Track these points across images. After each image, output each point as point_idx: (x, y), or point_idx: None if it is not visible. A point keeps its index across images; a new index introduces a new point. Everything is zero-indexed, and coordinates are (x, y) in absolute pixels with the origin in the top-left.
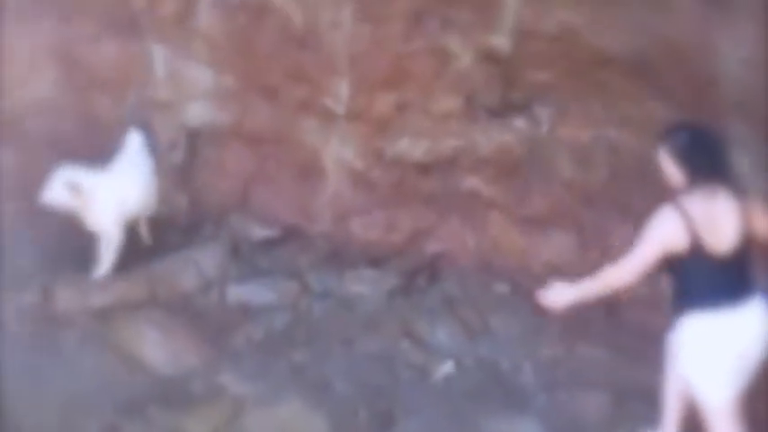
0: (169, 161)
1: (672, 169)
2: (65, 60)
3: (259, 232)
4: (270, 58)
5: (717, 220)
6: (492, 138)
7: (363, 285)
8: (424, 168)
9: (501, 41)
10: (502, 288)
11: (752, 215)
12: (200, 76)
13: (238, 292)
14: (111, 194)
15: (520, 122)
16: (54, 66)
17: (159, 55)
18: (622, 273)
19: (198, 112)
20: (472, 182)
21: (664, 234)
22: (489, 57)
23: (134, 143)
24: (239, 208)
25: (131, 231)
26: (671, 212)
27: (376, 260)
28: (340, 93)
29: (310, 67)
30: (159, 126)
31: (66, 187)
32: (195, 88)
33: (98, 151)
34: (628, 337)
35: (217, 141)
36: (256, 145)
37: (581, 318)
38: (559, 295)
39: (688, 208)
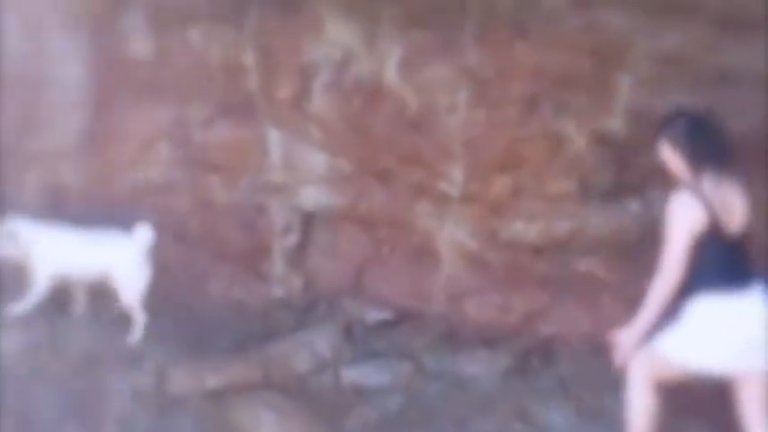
0: (284, 244)
1: (675, 159)
2: (179, 142)
3: (373, 314)
4: (384, 142)
5: (727, 201)
6: (606, 220)
7: (477, 366)
8: (538, 250)
9: (615, 125)
10: (616, 370)
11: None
12: (315, 159)
13: (353, 374)
14: (49, 248)
15: (634, 205)
16: (168, 147)
17: (274, 138)
18: (668, 274)
19: (312, 196)
20: (586, 264)
21: (687, 218)
22: (603, 140)
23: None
24: (353, 290)
25: (241, 313)
26: (686, 196)
27: (490, 341)
28: (454, 176)
29: (425, 151)
30: (274, 209)
31: (6, 237)
32: (310, 171)
33: (210, 233)
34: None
35: (331, 224)
36: (370, 228)
37: (691, 396)
38: (626, 342)
39: (702, 190)
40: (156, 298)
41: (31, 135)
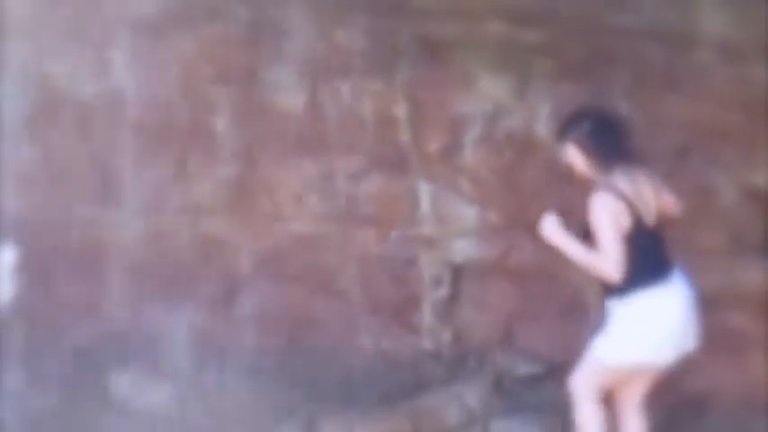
0: (434, 296)
1: (584, 160)
2: (329, 195)
3: (523, 367)
4: (535, 194)
5: (642, 194)
6: (757, 275)
7: None
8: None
9: (765, 178)
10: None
11: (658, 190)
12: (465, 212)
13: (502, 428)
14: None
15: None
16: (318, 200)
17: (425, 191)
18: (611, 272)
19: (462, 248)
20: (736, 319)
21: (612, 215)
22: (753, 193)
23: None
24: (503, 343)
25: (390, 366)
26: (606, 196)
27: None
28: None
29: (576, 203)
30: (424, 261)
31: None
32: (460, 224)
33: (360, 286)
34: None
35: (481, 277)
36: (520, 281)
37: None
38: (551, 229)
39: (618, 186)
40: (305, 350)
41: (182, 186)
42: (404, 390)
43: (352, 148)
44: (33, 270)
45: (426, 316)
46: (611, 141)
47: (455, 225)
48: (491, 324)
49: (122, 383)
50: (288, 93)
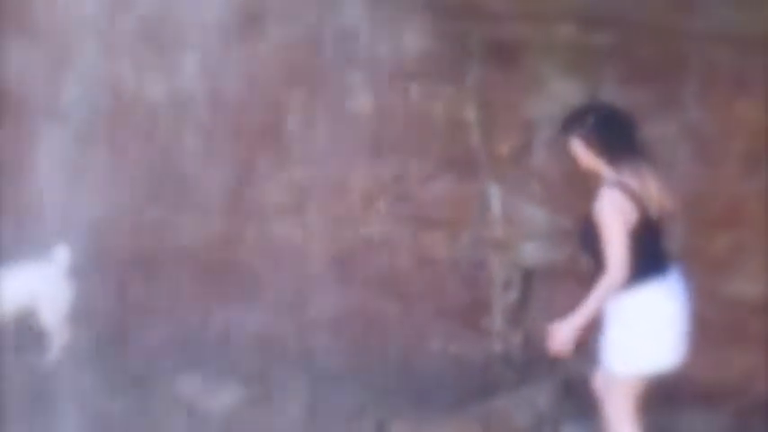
0: (504, 299)
1: (590, 156)
2: (400, 197)
3: (593, 371)
4: None
5: (648, 189)
6: None
7: (697, 425)
8: (759, 308)
9: None
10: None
11: (661, 184)
12: (536, 215)
13: (572, 431)
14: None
15: None
16: (389, 203)
17: (495, 193)
18: (615, 273)
19: (532, 251)
20: None
21: (620, 213)
22: None
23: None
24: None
25: (460, 369)
26: (613, 192)
27: (709, 400)
28: (675, 232)
29: None
30: (494, 264)
31: None
32: (530, 227)
33: (430, 289)
34: None
35: (550, 280)
36: (590, 284)
37: None
38: (563, 333)
39: (625, 182)
40: (375, 354)
41: (252, 189)
42: (474, 393)
43: (422, 150)
44: (104, 272)
45: (496, 319)
46: (617, 136)
47: (525, 228)
48: None
49: (192, 385)
50: (358, 95)
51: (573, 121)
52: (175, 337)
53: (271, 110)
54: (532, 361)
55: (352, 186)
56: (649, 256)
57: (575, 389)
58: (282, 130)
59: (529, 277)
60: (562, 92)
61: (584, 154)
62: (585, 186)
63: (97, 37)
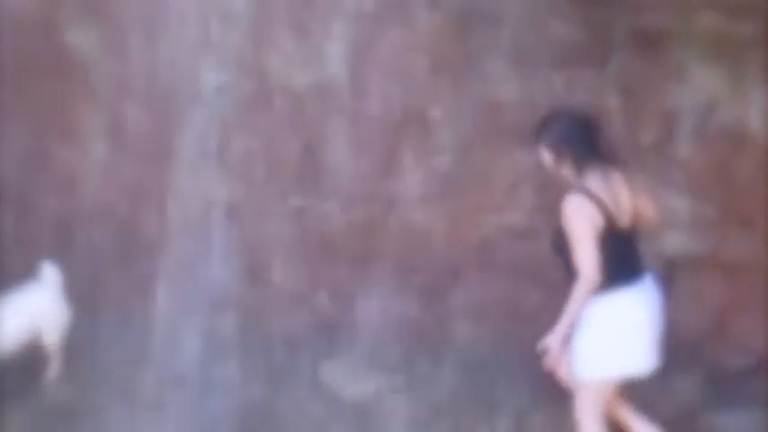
0: None
1: (558, 161)
2: (542, 186)
3: (735, 360)
4: (748, 188)
5: (617, 196)
6: None
7: None
8: None
9: None
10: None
11: (635, 191)
12: (679, 204)
13: (714, 420)
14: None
15: None
16: (531, 191)
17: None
18: (587, 277)
19: (675, 241)
20: None
21: (586, 219)
22: None
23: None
24: (715, 336)
25: None
26: (580, 198)
27: None
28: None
29: None
30: None
31: None
32: (673, 217)
33: (568, 278)
34: None
35: (693, 270)
36: (733, 274)
37: None
38: (551, 349)
39: (591, 188)
40: (517, 342)
41: (395, 177)
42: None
43: None
44: (248, 258)
45: None
46: (583, 143)
47: (668, 218)
48: (703, 317)
49: (334, 373)
50: (502, 83)
51: (540, 128)
52: (318, 324)
53: (415, 98)
54: (675, 350)
55: (494, 174)
56: (617, 264)
57: (717, 378)
58: (426, 118)
59: (671, 267)
60: (705, 80)
61: (551, 161)
62: (728, 176)
63: (244, 24)
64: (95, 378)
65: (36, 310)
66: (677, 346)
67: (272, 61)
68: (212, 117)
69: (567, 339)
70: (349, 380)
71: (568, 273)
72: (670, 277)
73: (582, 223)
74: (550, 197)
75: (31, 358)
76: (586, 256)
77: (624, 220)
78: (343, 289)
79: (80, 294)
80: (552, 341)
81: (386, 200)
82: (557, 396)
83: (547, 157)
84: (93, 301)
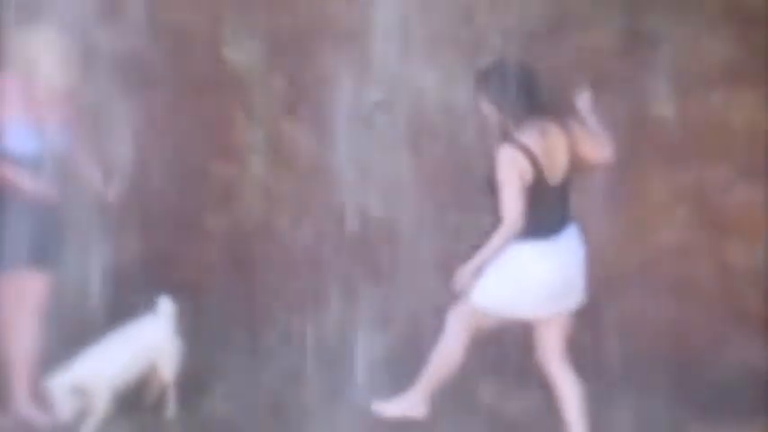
0: None
1: (494, 113)
2: (698, 205)
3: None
4: None
5: (551, 151)
6: None
7: None
8: None
9: None
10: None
11: (577, 140)
12: None
13: None
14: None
15: None
16: (687, 210)
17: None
18: (510, 223)
19: None
20: None
21: (515, 170)
22: None
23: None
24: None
25: (757, 378)
26: (512, 150)
27: None
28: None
29: None
30: None
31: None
32: None
33: (727, 296)
34: None
35: None
36: None
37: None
38: (463, 276)
39: (525, 142)
40: (673, 360)
41: None
42: None
43: (722, 157)
44: (404, 276)
45: None
46: (521, 96)
47: None
48: None
49: (490, 390)
50: (660, 102)
51: (479, 81)
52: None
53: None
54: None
55: (651, 192)
56: (542, 216)
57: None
58: None
59: None
60: None
61: (490, 112)
62: None
63: (396, 40)
64: (252, 395)
65: (151, 344)
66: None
67: (428, 78)
68: (370, 134)
69: (477, 275)
70: (505, 396)
71: (496, 216)
72: None
73: (510, 174)
74: (706, 215)
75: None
76: (511, 204)
77: (556, 174)
78: None
79: (238, 309)
80: (463, 274)
81: None
82: (713, 413)
83: (487, 109)
84: (252, 316)
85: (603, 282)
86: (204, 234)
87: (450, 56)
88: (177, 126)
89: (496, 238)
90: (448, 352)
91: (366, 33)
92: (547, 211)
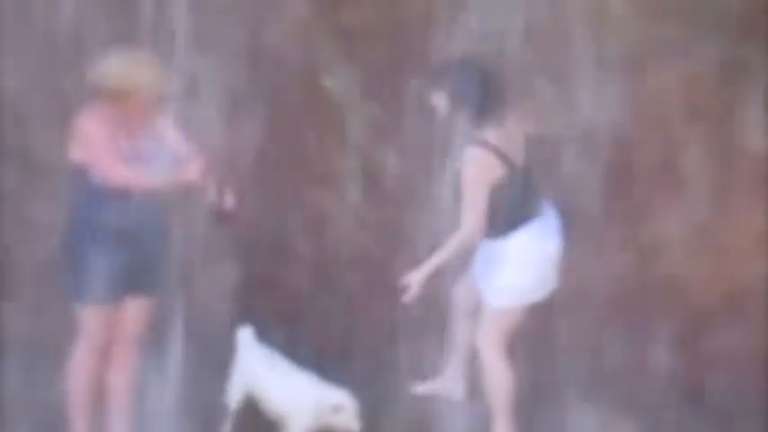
0: None
1: (452, 110)
2: None
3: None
4: None
5: (511, 141)
6: None
7: None
8: None
9: None
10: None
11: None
12: None
13: None
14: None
15: None
16: None
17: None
18: (468, 228)
19: None
20: None
21: (485, 173)
22: None
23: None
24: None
25: None
26: (479, 151)
27: None
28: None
29: None
30: None
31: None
32: None
33: None
34: None
35: None
36: None
37: None
38: (414, 282)
39: (489, 139)
40: (763, 394)
41: (647, 224)
42: None
43: None
44: None
45: None
46: (482, 96)
47: None
48: None
49: (587, 421)
50: (757, 133)
51: (439, 75)
52: (570, 370)
53: (670, 146)
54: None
55: (746, 223)
56: (520, 203)
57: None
58: (681, 167)
59: None
60: None
61: (445, 108)
62: None
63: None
64: None
65: (247, 372)
66: None
67: (527, 107)
68: None
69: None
70: (602, 427)
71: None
72: None
73: (477, 177)
74: None
75: None
76: (473, 210)
77: (520, 161)
78: (593, 336)
79: (333, 338)
80: (415, 277)
81: (638, 247)
82: None
83: (440, 103)
84: (346, 344)
85: (699, 312)
86: (299, 262)
87: (548, 85)
88: (274, 153)
89: (452, 242)
90: (502, 377)
91: None
92: (524, 195)
